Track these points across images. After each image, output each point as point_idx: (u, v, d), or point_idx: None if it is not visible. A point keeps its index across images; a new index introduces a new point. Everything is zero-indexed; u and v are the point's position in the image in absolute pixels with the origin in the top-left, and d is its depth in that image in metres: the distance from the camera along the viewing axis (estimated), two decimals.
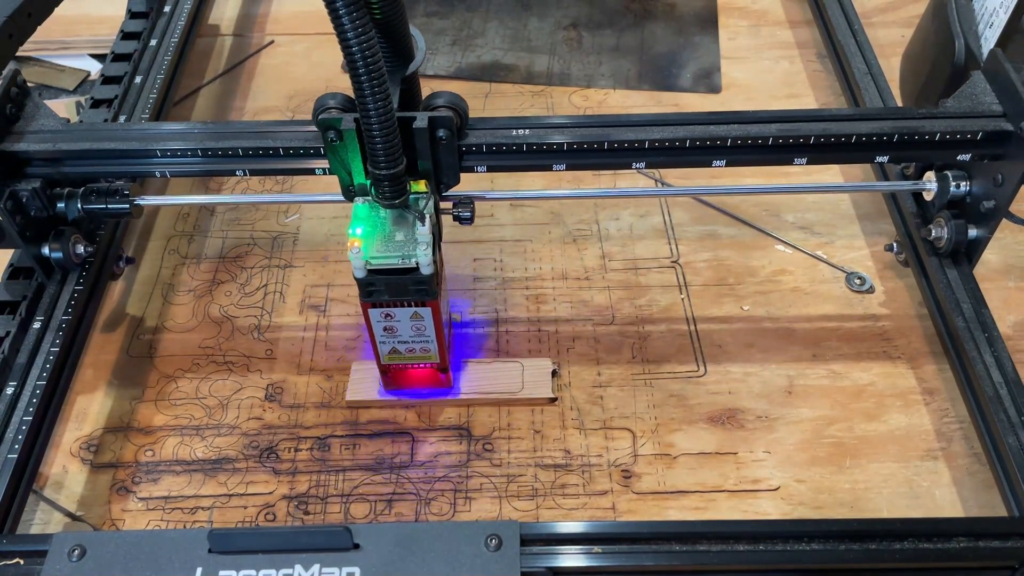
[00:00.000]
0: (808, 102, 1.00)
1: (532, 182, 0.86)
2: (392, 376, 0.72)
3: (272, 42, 1.11)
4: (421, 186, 0.63)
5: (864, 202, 0.89)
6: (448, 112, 0.63)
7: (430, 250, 0.60)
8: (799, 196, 0.89)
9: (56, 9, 0.81)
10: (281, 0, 1.17)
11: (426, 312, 0.64)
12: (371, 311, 0.64)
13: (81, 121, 0.86)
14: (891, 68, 1.01)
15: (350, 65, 0.54)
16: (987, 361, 0.68)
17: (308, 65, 1.06)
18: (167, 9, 1.02)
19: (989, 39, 0.82)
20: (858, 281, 0.82)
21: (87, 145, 0.68)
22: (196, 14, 1.06)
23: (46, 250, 0.71)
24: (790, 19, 1.12)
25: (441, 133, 0.62)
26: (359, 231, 0.61)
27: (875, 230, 0.87)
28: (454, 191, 0.68)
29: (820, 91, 1.02)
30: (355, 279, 0.61)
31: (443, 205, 0.68)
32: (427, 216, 0.61)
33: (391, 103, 0.57)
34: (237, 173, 0.69)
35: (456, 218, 0.67)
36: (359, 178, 0.63)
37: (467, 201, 0.67)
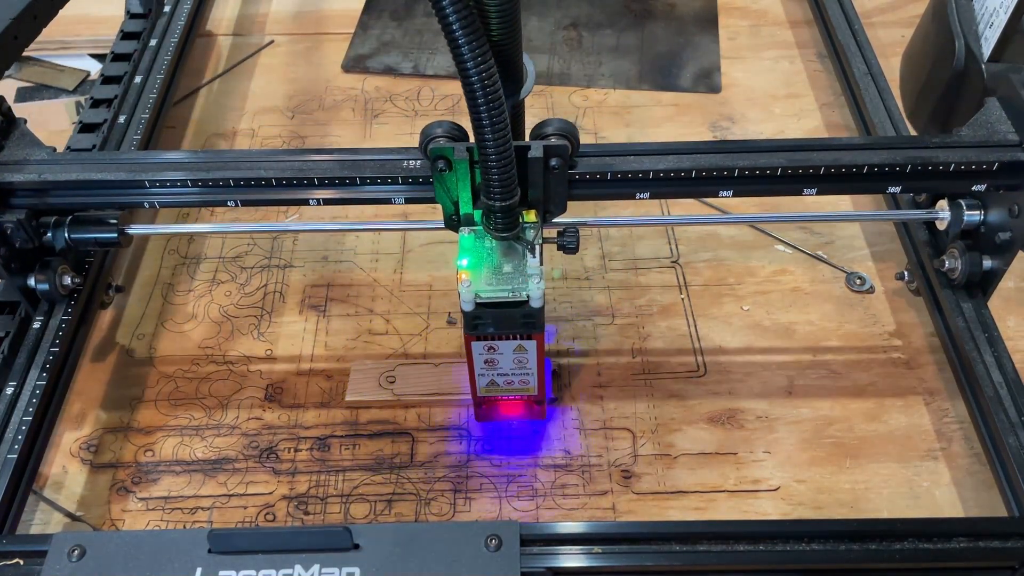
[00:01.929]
0: (808, 102, 1.00)
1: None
2: (486, 408, 0.71)
3: (272, 42, 1.11)
4: (531, 216, 0.61)
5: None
6: (563, 141, 0.61)
7: (542, 282, 0.58)
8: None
9: None
10: (281, 0, 1.17)
11: (531, 345, 0.62)
12: (474, 344, 0.62)
13: (69, 149, 0.84)
14: (891, 68, 1.01)
15: (468, 94, 0.52)
16: (987, 361, 0.68)
17: (308, 65, 1.06)
18: (167, 9, 1.02)
19: (989, 39, 0.82)
20: (858, 281, 0.82)
21: (73, 176, 0.66)
22: (196, 14, 1.06)
23: (32, 281, 0.70)
24: (790, 19, 1.12)
25: (554, 162, 0.61)
26: (465, 263, 0.59)
27: (875, 230, 0.87)
28: (558, 219, 0.65)
29: (820, 91, 1.02)
30: (462, 312, 0.59)
31: (545, 233, 0.66)
32: (537, 247, 0.60)
33: (509, 133, 0.55)
34: (228, 203, 0.67)
35: (560, 247, 0.64)
36: (466, 208, 0.61)
37: (573, 230, 0.64)
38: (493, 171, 0.56)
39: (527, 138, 0.63)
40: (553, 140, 0.61)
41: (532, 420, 0.72)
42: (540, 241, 0.60)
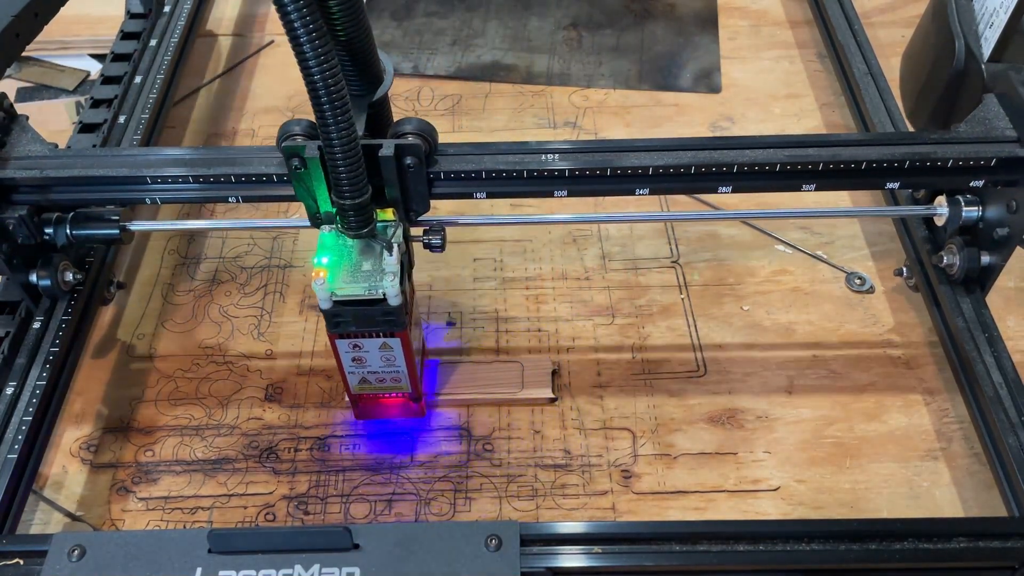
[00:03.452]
0: (808, 102, 1.00)
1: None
2: (363, 406, 0.71)
3: (272, 42, 1.11)
4: (388, 214, 0.62)
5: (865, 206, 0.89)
6: (416, 140, 0.61)
7: (397, 280, 0.58)
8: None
9: None
10: None
11: (395, 343, 0.63)
12: (338, 342, 0.63)
13: (70, 147, 0.85)
14: (891, 68, 1.01)
15: (311, 92, 0.53)
16: (987, 361, 0.68)
17: None
18: (167, 9, 1.02)
19: (989, 39, 0.82)
20: (858, 281, 0.82)
21: (75, 172, 0.66)
22: (196, 14, 1.06)
23: (34, 278, 0.70)
24: (790, 19, 1.12)
25: (409, 161, 0.61)
26: (325, 261, 0.60)
27: (875, 230, 0.87)
28: (426, 216, 0.66)
29: (820, 91, 1.02)
30: (320, 310, 0.60)
31: (415, 231, 0.66)
32: (395, 246, 0.60)
33: (355, 131, 0.55)
34: (230, 199, 0.67)
35: (427, 246, 0.65)
36: (325, 206, 0.62)
37: (438, 228, 0.65)
38: (340, 169, 0.56)
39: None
40: (409, 139, 0.61)
41: (410, 418, 0.72)
42: (399, 239, 0.61)
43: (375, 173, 0.60)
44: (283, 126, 0.62)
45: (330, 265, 0.60)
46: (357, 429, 0.73)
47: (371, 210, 0.60)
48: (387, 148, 0.60)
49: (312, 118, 0.57)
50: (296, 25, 0.50)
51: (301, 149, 0.59)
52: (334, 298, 0.59)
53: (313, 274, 0.59)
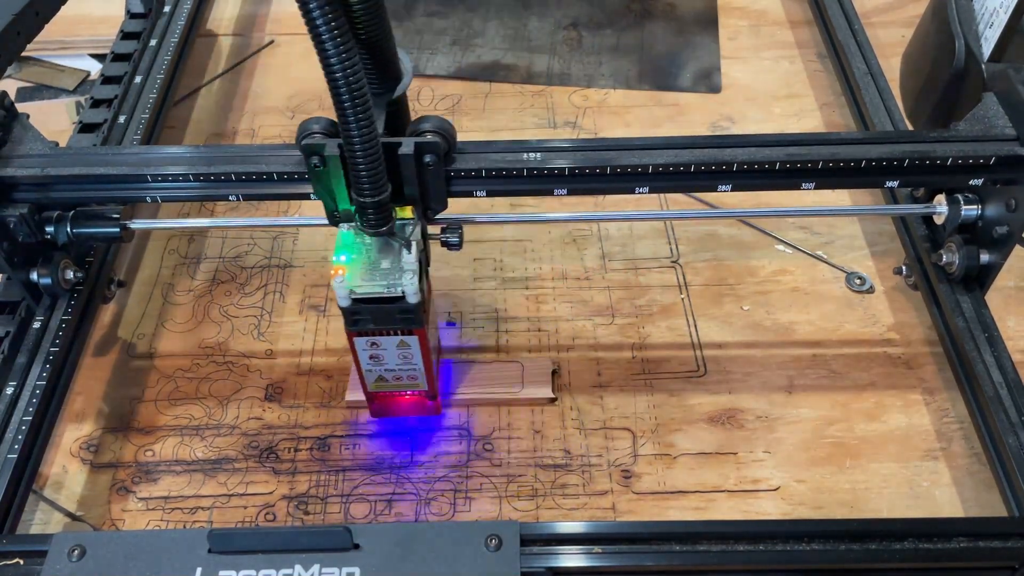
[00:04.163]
0: (808, 102, 1.00)
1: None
2: (379, 404, 0.71)
3: (272, 42, 1.11)
4: (407, 212, 0.62)
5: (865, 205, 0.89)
6: (435, 138, 0.61)
7: (416, 278, 0.59)
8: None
9: None
10: (281, 0, 1.17)
11: (413, 340, 0.63)
12: (356, 339, 0.63)
13: (70, 148, 0.85)
14: (891, 68, 1.01)
15: (332, 90, 0.53)
16: (987, 361, 0.68)
17: (308, 65, 1.06)
18: (167, 9, 1.02)
19: (989, 39, 0.82)
20: (858, 281, 0.82)
21: (76, 170, 0.66)
22: (196, 14, 1.06)
23: (34, 276, 0.70)
24: (790, 19, 1.12)
25: (428, 159, 0.61)
26: (343, 258, 0.60)
27: (875, 230, 0.87)
28: (443, 215, 0.66)
29: (820, 91, 1.02)
30: (339, 308, 0.60)
31: (432, 229, 0.67)
32: (413, 243, 0.60)
33: (375, 129, 0.55)
34: (230, 198, 0.67)
35: (444, 243, 0.65)
36: (343, 204, 0.62)
37: (455, 226, 0.65)
38: (360, 167, 0.56)
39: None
40: (428, 137, 0.61)
41: (426, 416, 0.72)
42: (418, 237, 0.61)
43: (394, 171, 0.61)
44: (302, 124, 0.62)
45: (349, 263, 0.60)
46: (358, 429, 0.73)
47: (390, 208, 0.60)
48: (407, 146, 0.60)
49: (332, 116, 0.57)
50: (319, 23, 0.50)
51: (321, 147, 0.59)
52: (353, 295, 0.59)
53: (332, 272, 0.59)
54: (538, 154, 0.64)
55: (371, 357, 0.65)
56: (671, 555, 0.55)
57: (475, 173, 0.64)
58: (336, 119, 0.55)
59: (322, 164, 0.60)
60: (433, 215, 0.65)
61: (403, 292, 0.59)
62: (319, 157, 0.59)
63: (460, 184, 0.65)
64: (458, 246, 0.65)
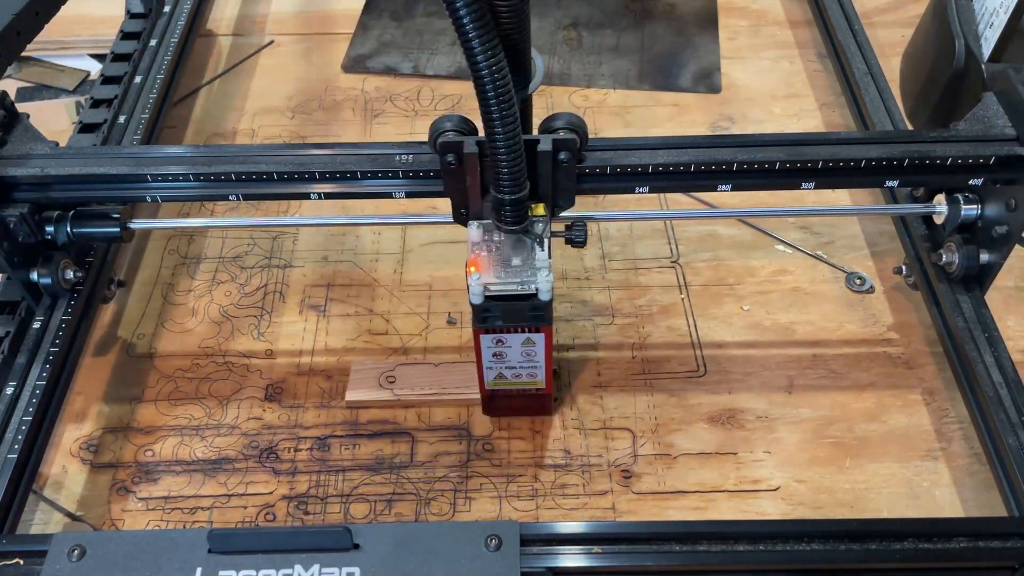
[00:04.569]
0: (808, 102, 1.00)
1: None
2: (496, 402, 0.71)
3: (272, 42, 1.11)
4: (539, 210, 0.62)
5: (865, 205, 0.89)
6: (571, 135, 0.61)
7: (551, 275, 0.59)
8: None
9: None
10: (281, 0, 1.17)
11: (539, 338, 0.63)
12: (483, 336, 0.63)
13: (70, 147, 0.85)
14: (891, 68, 1.01)
15: (479, 87, 0.53)
16: (987, 361, 0.68)
17: (308, 65, 1.06)
18: (167, 9, 1.02)
19: (989, 39, 0.82)
20: (858, 281, 0.82)
21: (76, 170, 0.66)
22: (196, 14, 1.06)
23: (34, 276, 0.70)
24: (790, 19, 1.12)
25: (563, 156, 0.61)
26: (476, 256, 0.60)
27: (875, 230, 0.87)
28: (565, 213, 0.66)
29: (820, 91, 1.02)
30: (471, 305, 0.60)
31: (553, 227, 0.66)
32: (546, 240, 0.60)
33: (519, 127, 0.55)
34: (230, 198, 0.67)
35: (569, 241, 0.65)
36: (475, 202, 0.62)
37: (581, 224, 0.65)
38: (503, 165, 0.56)
39: (535, 132, 0.63)
40: (562, 134, 0.61)
41: (539, 414, 0.72)
42: (549, 234, 0.61)
43: (530, 169, 0.60)
44: (435, 123, 0.62)
45: (481, 260, 0.60)
46: (358, 429, 0.73)
47: (528, 205, 0.60)
48: (545, 143, 0.60)
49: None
50: (466, 22, 0.50)
51: (459, 145, 0.59)
52: (486, 293, 0.59)
53: (467, 268, 0.59)
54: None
55: (494, 355, 0.65)
56: (671, 555, 0.55)
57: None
58: (479, 116, 0.55)
59: (457, 162, 0.60)
60: (559, 212, 0.65)
61: (536, 289, 0.59)
62: (455, 155, 0.59)
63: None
64: (583, 243, 0.65)
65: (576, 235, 0.64)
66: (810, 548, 0.55)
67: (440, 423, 0.73)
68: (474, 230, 0.62)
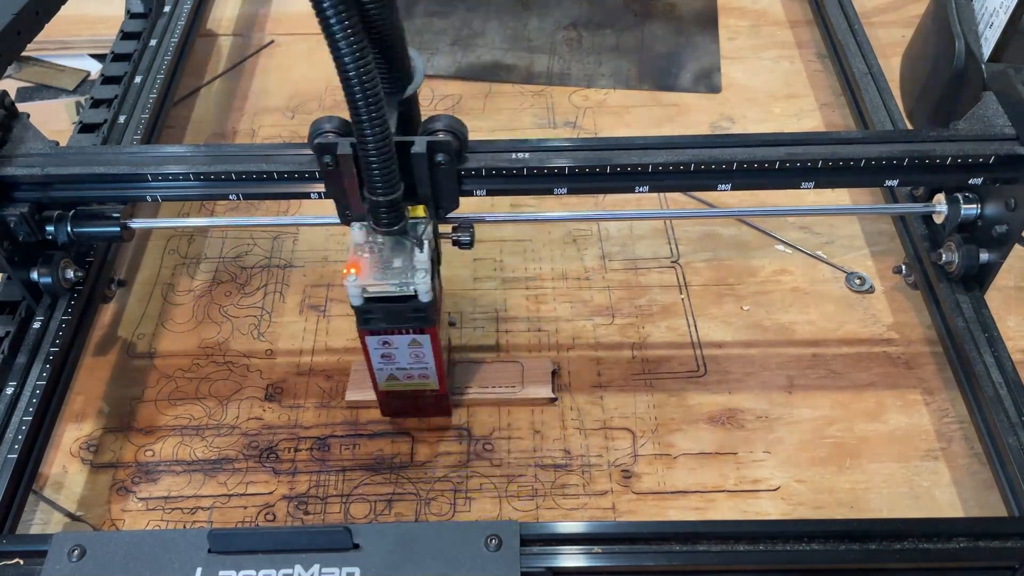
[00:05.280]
0: (808, 102, 1.00)
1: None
2: (390, 403, 0.71)
3: (272, 42, 1.11)
4: (419, 211, 0.62)
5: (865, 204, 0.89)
6: (447, 137, 0.61)
7: (428, 277, 0.59)
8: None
9: None
10: (281, 0, 1.17)
11: (424, 339, 0.63)
12: (368, 338, 0.63)
13: (70, 147, 0.85)
14: (891, 68, 1.01)
15: (346, 89, 0.53)
16: (987, 361, 0.68)
17: (308, 65, 1.06)
18: (167, 9, 1.02)
19: (989, 39, 0.82)
20: (858, 281, 0.82)
21: (76, 169, 0.66)
22: (196, 14, 1.06)
23: (35, 275, 0.70)
24: (790, 19, 1.12)
25: (440, 158, 0.61)
26: (356, 257, 0.60)
27: (875, 230, 0.87)
28: (453, 214, 0.66)
29: (820, 91, 1.02)
30: (352, 307, 0.60)
31: (442, 229, 0.67)
32: (425, 242, 0.60)
33: (388, 129, 0.56)
34: (231, 197, 0.67)
35: (456, 243, 0.65)
36: (356, 204, 0.62)
37: (467, 225, 0.65)
38: (374, 166, 0.57)
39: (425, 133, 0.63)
40: (440, 136, 0.61)
41: (436, 415, 0.72)
42: (430, 236, 0.61)
43: (406, 170, 0.61)
44: (314, 123, 0.62)
45: (360, 262, 0.60)
46: (358, 429, 0.73)
47: (403, 207, 0.60)
48: (419, 145, 0.60)
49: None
50: (332, 22, 0.50)
51: (334, 146, 0.59)
52: (365, 294, 0.59)
53: (344, 271, 0.59)
54: (544, 153, 0.65)
55: (383, 356, 0.65)
56: (671, 555, 0.55)
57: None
58: (348, 118, 0.56)
59: (334, 163, 0.60)
60: (444, 214, 0.65)
61: (415, 291, 0.59)
62: (331, 156, 0.60)
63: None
64: (470, 245, 0.65)
65: (462, 236, 0.65)
66: (810, 548, 0.55)
67: (440, 423, 0.73)
68: (356, 231, 0.62)
